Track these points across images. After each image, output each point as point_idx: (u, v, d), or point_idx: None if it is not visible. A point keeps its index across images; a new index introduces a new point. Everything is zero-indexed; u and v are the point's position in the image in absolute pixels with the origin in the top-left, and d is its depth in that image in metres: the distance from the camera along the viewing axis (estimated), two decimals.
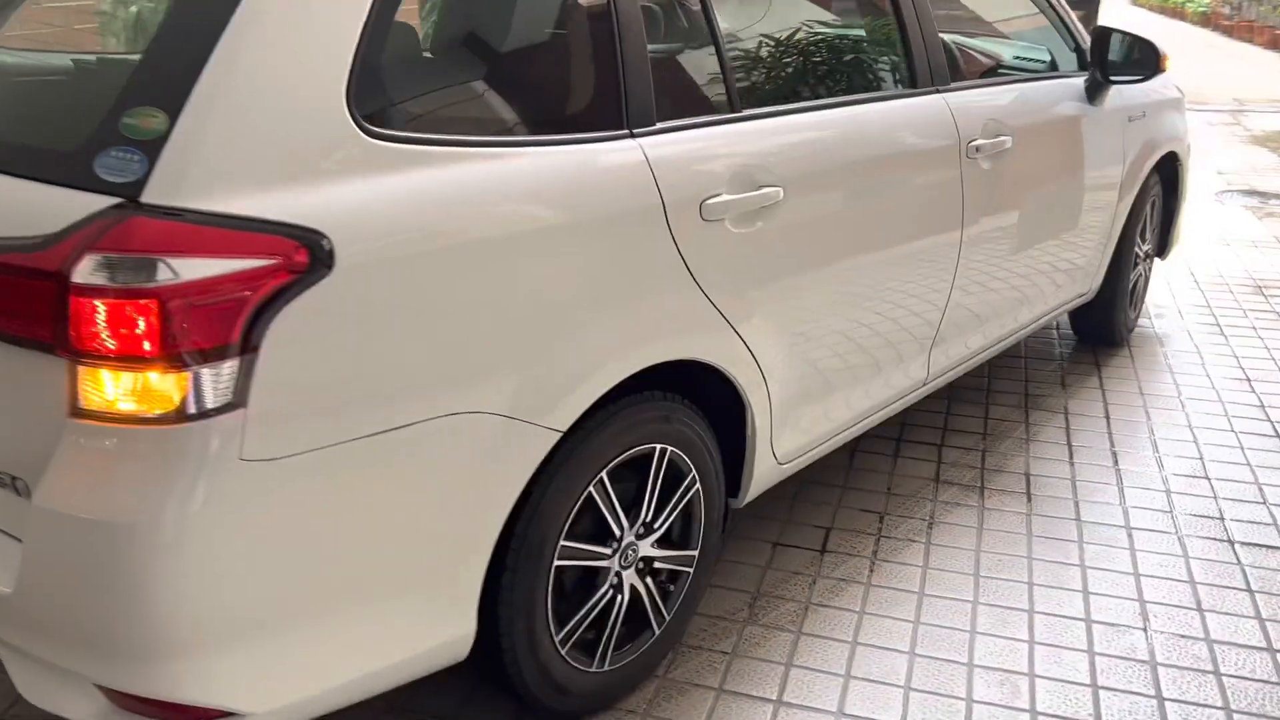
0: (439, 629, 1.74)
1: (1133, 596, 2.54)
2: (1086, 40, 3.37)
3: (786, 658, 2.32)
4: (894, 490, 3.03)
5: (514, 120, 1.82)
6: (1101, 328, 3.99)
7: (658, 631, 2.20)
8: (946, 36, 3.28)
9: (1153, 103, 3.73)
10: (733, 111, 2.14)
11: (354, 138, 1.53)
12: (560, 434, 1.79)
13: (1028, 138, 2.97)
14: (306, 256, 1.44)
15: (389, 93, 1.61)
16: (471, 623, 1.78)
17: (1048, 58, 3.42)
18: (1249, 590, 2.57)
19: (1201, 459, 3.20)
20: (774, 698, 2.20)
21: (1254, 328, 4.29)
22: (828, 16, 2.72)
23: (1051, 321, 3.72)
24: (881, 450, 3.26)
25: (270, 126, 1.46)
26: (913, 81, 2.63)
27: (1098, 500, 2.97)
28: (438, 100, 1.72)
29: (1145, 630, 2.42)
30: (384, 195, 1.55)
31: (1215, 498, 2.99)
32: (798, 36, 2.51)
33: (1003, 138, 2.84)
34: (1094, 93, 3.30)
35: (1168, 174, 4.10)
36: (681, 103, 2.09)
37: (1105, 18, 9.48)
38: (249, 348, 1.41)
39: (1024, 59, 3.45)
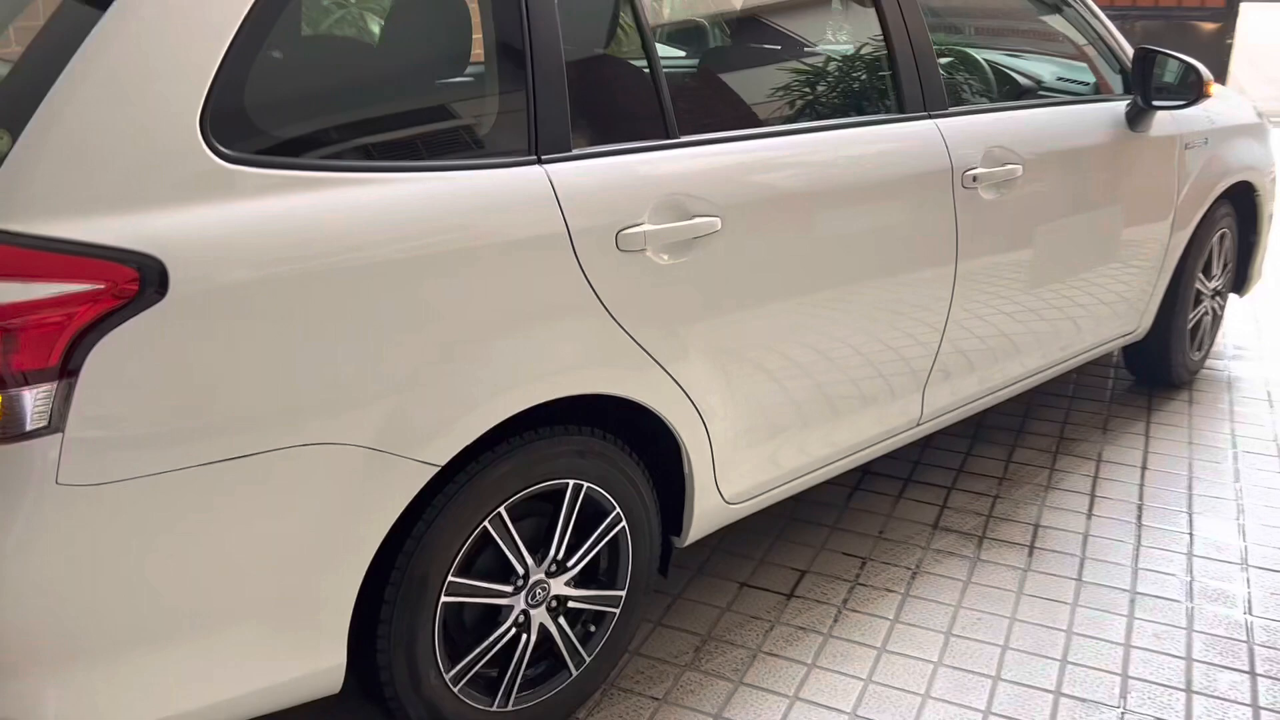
0: (301, 660, 1.70)
1: (1116, 670, 2.33)
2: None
3: (717, 709, 2.21)
4: (885, 534, 2.87)
5: (398, 146, 1.78)
6: (1156, 368, 3.71)
7: (574, 673, 2.12)
8: (978, 54, 3.11)
9: (1219, 129, 3.45)
10: (669, 138, 2.04)
11: (208, 163, 1.51)
12: (436, 468, 1.73)
13: (1046, 166, 2.77)
14: (136, 282, 1.43)
15: (253, 119, 1.59)
16: (340, 655, 1.75)
17: (1090, 79, 3.20)
18: (1251, 673, 2.33)
19: (1240, 522, 2.93)
20: None
21: None
22: (796, 38, 2.59)
23: (1097, 358, 3.47)
24: (884, 490, 3.10)
25: (117, 150, 1.45)
26: (900, 106, 2.48)
27: (1106, 559, 2.75)
28: (312, 125, 1.68)
29: (1120, 709, 2.21)
30: (238, 221, 1.52)
31: (1244, 565, 2.72)
32: (753, 60, 2.39)
33: (1011, 166, 2.65)
34: (1137, 118, 3.05)
35: (1244, 205, 3.79)
36: (608, 129, 2.00)
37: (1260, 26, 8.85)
38: (68, 372, 1.40)
39: (1064, 80, 3.23)
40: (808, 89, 2.48)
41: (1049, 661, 2.35)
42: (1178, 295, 3.51)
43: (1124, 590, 2.62)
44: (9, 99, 1.50)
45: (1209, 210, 3.50)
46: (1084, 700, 2.24)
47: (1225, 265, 3.80)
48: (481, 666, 1.98)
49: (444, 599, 1.86)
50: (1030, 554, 2.77)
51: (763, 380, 2.25)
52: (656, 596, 2.59)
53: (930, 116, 2.51)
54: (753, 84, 2.37)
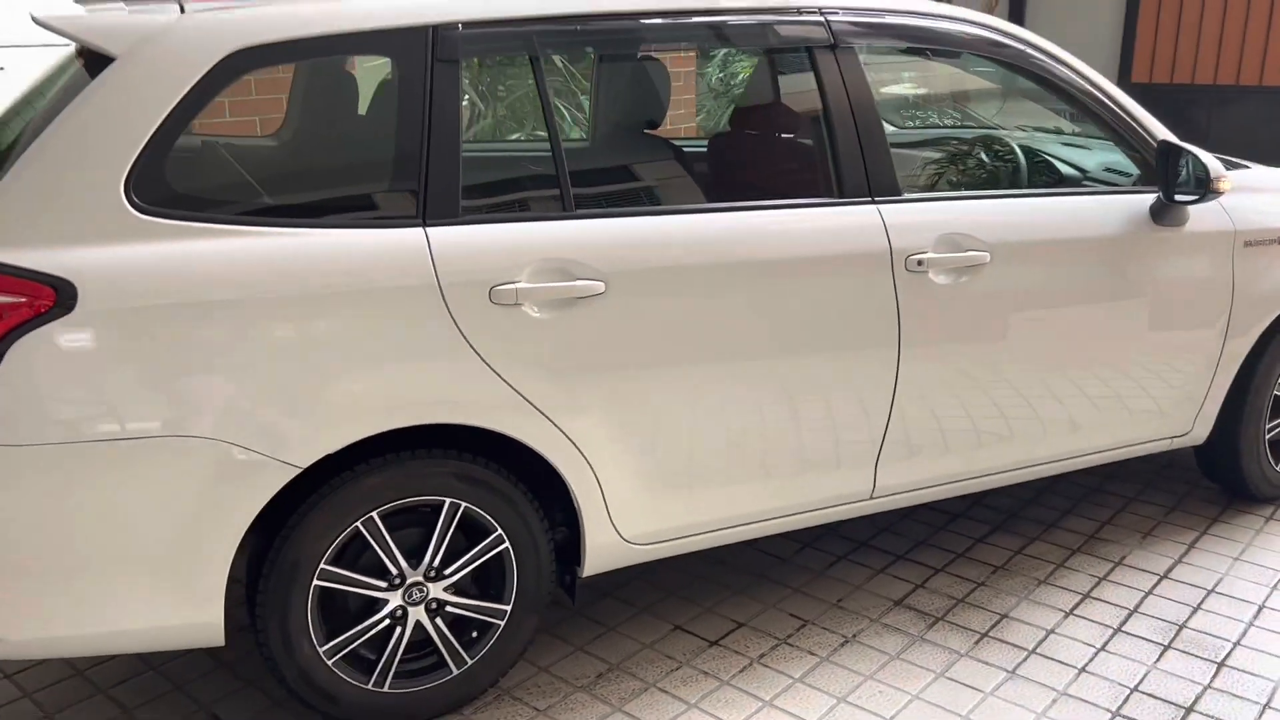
0: (182, 613, 2.13)
1: None
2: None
3: None
4: (842, 603, 2.94)
5: (295, 206, 2.20)
6: (1229, 476, 3.47)
7: (455, 672, 2.42)
8: (979, 142, 3.15)
9: None
10: (563, 210, 2.35)
11: (127, 214, 2.00)
12: (298, 469, 2.12)
13: (1022, 256, 2.78)
14: (52, 298, 1.93)
15: (167, 182, 2.06)
16: (217, 613, 2.15)
17: (1124, 169, 3.13)
18: None
19: (1219, 658, 2.74)
20: None
21: None
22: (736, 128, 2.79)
23: (1147, 455, 3.31)
24: (868, 563, 3.15)
25: (62, 199, 1.97)
26: (840, 191, 2.62)
27: (1056, 658, 2.68)
28: (220, 188, 2.15)
29: None
30: (143, 259, 2.00)
31: (1206, 687, 2.57)
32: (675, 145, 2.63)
33: (973, 253, 2.70)
34: (1162, 212, 2.97)
35: None
36: (500, 200, 2.34)
37: None
38: None
39: (1085, 169, 3.18)
40: (726, 173, 2.68)
41: None
42: (1246, 402, 3.29)
43: (1052, 690, 2.55)
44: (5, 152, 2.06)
45: None
46: None
47: None
48: (360, 648, 2.32)
49: (317, 582, 2.23)
50: (979, 641, 2.75)
51: (664, 436, 2.46)
52: (587, 624, 2.83)
53: (874, 202, 2.63)
54: (664, 167, 2.61)
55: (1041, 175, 3.29)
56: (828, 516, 2.81)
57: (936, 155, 3.51)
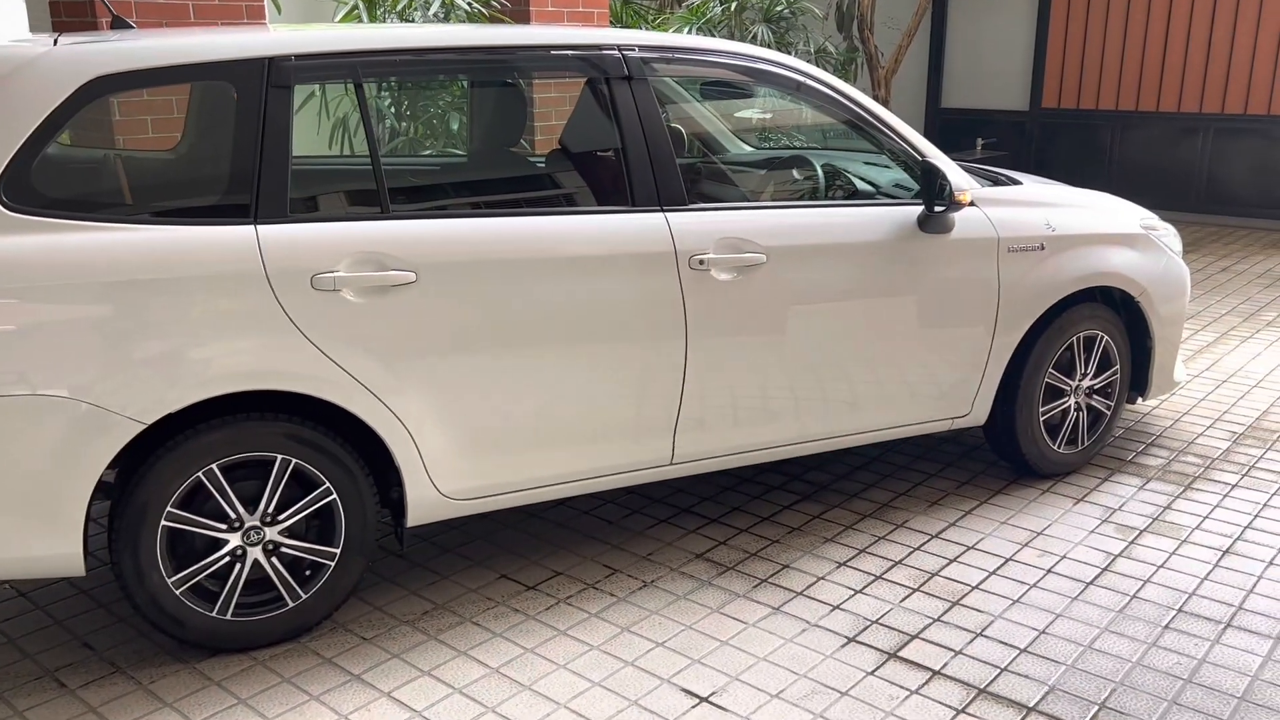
0: (44, 544, 2.55)
1: (730, 674, 2.76)
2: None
3: (401, 650, 2.86)
4: (651, 556, 3.39)
5: (149, 207, 2.65)
6: (1012, 456, 3.95)
7: (290, 604, 2.85)
8: (762, 161, 3.63)
9: (1064, 236, 3.73)
10: (382, 211, 2.80)
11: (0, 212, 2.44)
12: (143, 425, 2.55)
13: (795, 257, 3.25)
14: None
15: (34, 184, 2.50)
16: (76, 546, 2.58)
17: (904, 184, 3.62)
18: (845, 694, 2.69)
19: (966, 591, 3.21)
20: (356, 673, 2.76)
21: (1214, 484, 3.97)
22: (521, 149, 3.26)
23: (941, 434, 3.78)
24: (686, 525, 3.61)
25: None
26: (632, 200, 3.09)
27: (817, 598, 3.13)
28: (86, 191, 2.59)
29: (697, 702, 2.66)
30: (14, 248, 2.43)
31: (935, 620, 3.03)
32: (484, 154, 3.09)
33: (750, 254, 3.17)
34: (926, 221, 3.44)
35: (1132, 311, 4.00)
36: (325, 202, 2.79)
37: None
38: None
39: (877, 185, 3.68)
40: (543, 184, 3.14)
41: (682, 658, 2.82)
42: (1019, 389, 3.78)
43: (805, 622, 3.01)
44: None
45: (1058, 312, 3.77)
46: (687, 691, 2.70)
47: (1112, 367, 3.99)
48: (205, 581, 2.75)
49: (165, 523, 2.66)
50: (756, 586, 3.21)
51: (476, 406, 2.91)
52: (425, 573, 3.27)
53: (662, 210, 3.11)
54: (472, 172, 3.08)
55: (838, 190, 3.78)
56: (633, 479, 3.27)
57: (744, 171, 4.00)
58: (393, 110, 6.41)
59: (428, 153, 3.60)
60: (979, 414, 3.78)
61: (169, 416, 2.62)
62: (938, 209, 3.38)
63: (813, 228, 3.33)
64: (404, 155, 4.69)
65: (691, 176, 3.95)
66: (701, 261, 3.12)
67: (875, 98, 9.09)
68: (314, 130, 6.34)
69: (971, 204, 3.56)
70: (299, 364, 2.69)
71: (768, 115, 5.22)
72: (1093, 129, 10.09)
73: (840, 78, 8.65)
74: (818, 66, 7.83)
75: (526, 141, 5.14)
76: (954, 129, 10.76)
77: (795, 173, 3.92)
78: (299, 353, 2.69)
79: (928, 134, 10.88)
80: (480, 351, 2.89)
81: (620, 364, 3.08)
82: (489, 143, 3.77)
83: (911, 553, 3.43)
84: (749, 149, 4.38)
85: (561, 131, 3.56)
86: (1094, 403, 4.02)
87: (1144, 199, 9.40)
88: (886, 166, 3.77)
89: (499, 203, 3.13)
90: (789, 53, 7.48)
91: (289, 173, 2.71)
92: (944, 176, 3.33)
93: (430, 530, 3.54)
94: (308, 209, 2.76)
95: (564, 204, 3.14)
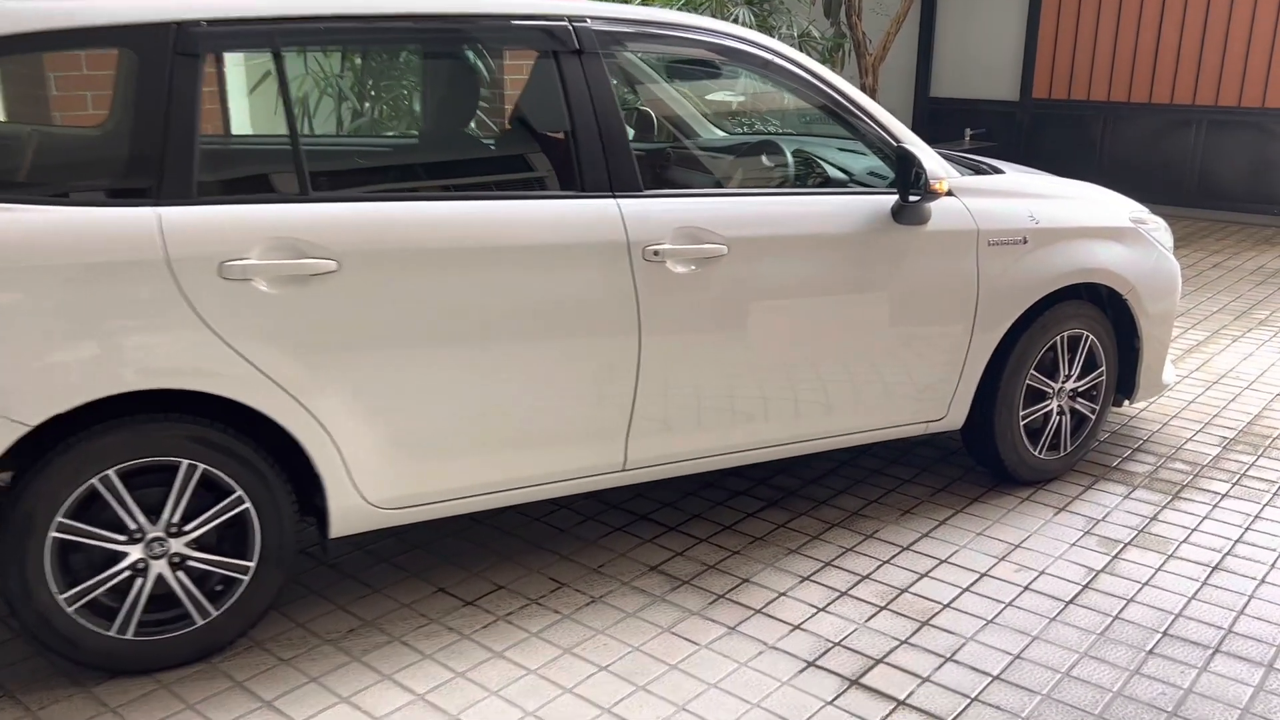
0: None
1: (677, 704, 2.53)
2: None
3: (319, 673, 2.62)
4: (602, 569, 3.16)
5: (43, 185, 2.41)
6: (990, 462, 3.73)
7: (199, 622, 2.61)
8: (724, 146, 3.39)
9: (1048, 229, 3.50)
10: (301, 194, 2.55)
11: None
12: (27, 427, 2.30)
13: (760, 249, 3.01)
14: None
15: None
16: None
17: (879, 172, 3.39)
18: None
19: (937, 610, 2.99)
20: (268, 699, 2.52)
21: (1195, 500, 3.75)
22: (484, 124, 3.02)
23: (915, 437, 3.56)
24: (641, 533, 3.37)
25: None
26: (582, 185, 2.85)
27: (777, 617, 2.91)
28: None
29: None
30: None
31: (902, 642, 2.81)
32: (426, 135, 2.84)
33: (710, 246, 2.94)
34: (901, 212, 3.21)
35: (1119, 309, 3.77)
36: (238, 183, 2.54)
37: None
38: None
39: (851, 173, 3.44)
40: (459, 167, 2.90)
41: (625, 685, 2.59)
42: (999, 391, 3.56)
43: (762, 644, 2.78)
44: None
45: (1040, 310, 3.54)
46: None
47: (1098, 369, 3.77)
48: (103, 597, 2.50)
49: (55, 535, 2.41)
50: (713, 602, 2.98)
51: (405, 407, 2.67)
52: (356, 586, 3.03)
53: (614, 196, 2.86)
54: (412, 154, 2.83)
55: (809, 178, 3.54)
56: (582, 486, 3.03)
57: (710, 156, 3.76)
58: (355, 90, 6.16)
59: (390, 134, 3.36)
60: (955, 417, 3.56)
61: (60, 418, 2.37)
62: (912, 198, 3.15)
63: (779, 218, 3.09)
64: (349, 136, 4.42)
65: (650, 161, 3.71)
66: (656, 253, 2.88)
67: (862, 86, 8.84)
68: (271, 109, 6.08)
69: (949, 194, 3.33)
70: (204, 360, 2.45)
71: (742, 98, 4.96)
72: (1084, 120, 9.87)
73: (826, 65, 8.43)
74: (801, 51, 7.61)
75: (496, 123, 4.88)
76: (943, 118, 10.51)
77: (765, 159, 3.68)
78: (204, 348, 2.44)
79: (916, 123, 10.65)
80: (411, 348, 2.65)
81: (566, 363, 2.84)
82: (437, 123, 3.51)
83: (880, 566, 3.20)
84: (720, 133, 4.14)
85: (510, 111, 3.30)
86: (1078, 406, 3.80)
87: (1135, 192, 9.13)
88: (863, 153, 3.53)
89: (435, 186, 2.88)
90: (771, 35, 7.23)
91: (196, 150, 2.45)
92: (919, 164, 3.09)
93: (365, 538, 3.30)
94: (219, 191, 2.51)
95: (507, 189, 2.89)
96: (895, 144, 3.23)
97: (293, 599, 2.96)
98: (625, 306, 2.87)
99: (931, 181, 3.09)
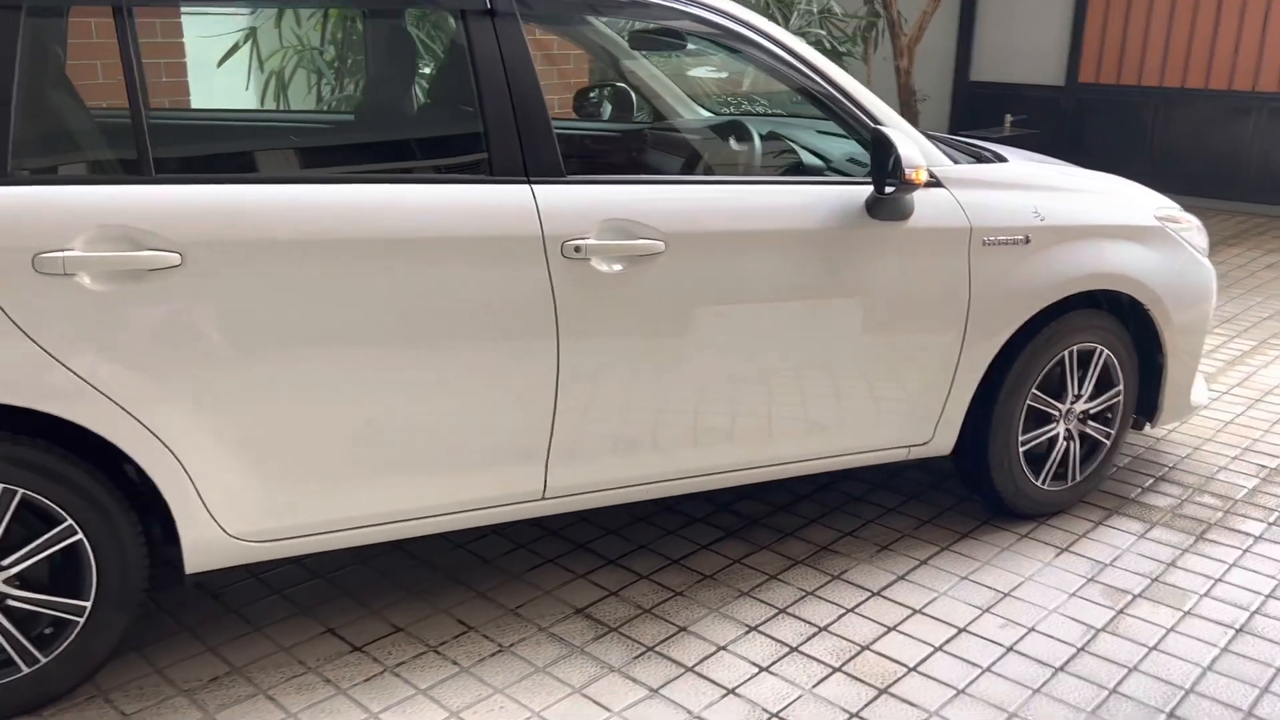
0: None
1: None
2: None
3: None
4: (520, 610, 2.76)
5: None
6: (984, 491, 3.27)
7: (25, 669, 2.25)
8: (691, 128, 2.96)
9: (1056, 227, 3.02)
10: (143, 176, 2.17)
11: None
12: None
13: (709, 247, 2.59)
14: None
15: None
16: None
17: (859, 159, 2.93)
18: None
19: (901, 675, 2.55)
20: None
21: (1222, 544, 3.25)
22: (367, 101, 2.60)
23: (882, 462, 3.11)
24: (575, 567, 2.97)
25: None
26: (491, 168, 2.43)
27: (710, 677, 2.49)
28: None
29: None
30: None
31: (853, 716, 2.38)
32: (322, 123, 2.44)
33: (643, 241, 2.51)
34: (876, 205, 2.75)
35: (1141, 320, 3.28)
36: (68, 163, 2.16)
37: None
38: None
39: (829, 159, 2.99)
40: (331, 146, 2.49)
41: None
42: (992, 413, 3.09)
43: (686, 712, 2.37)
44: None
45: (1047, 320, 3.07)
46: None
47: (1114, 388, 3.29)
48: None
49: None
50: (639, 656, 2.57)
51: (271, 426, 2.29)
52: (235, 622, 2.66)
53: (529, 182, 2.45)
54: (289, 132, 2.43)
55: (776, 165, 3.09)
56: (495, 517, 2.63)
57: (662, 137, 3.32)
58: (336, 67, 5.81)
59: (268, 109, 2.99)
60: (942, 441, 3.10)
61: None
62: (888, 189, 2.69)
63: (729, 210, 2.65)
64: (209, 110, 3.90)
65: (580, 143, 3.28)
66: (578, 248, 2.46)
67: (896, 68, 8.30)
68: (243, 85, 5.73)
69: (937, 184, 2.87)
70: (14, 369, 2.07)
71: (723, 75, 4.50)
72: (1133, 107, 9.23)
73: (857, 47, 7.89)
74: (822, 29, 7.09)
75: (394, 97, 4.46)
76: (983, 104, 9.92)
77: (730, 142, 3.23)
78: (14, 353, 2.07)
79: (954, 109, 10.08)
80: (278, 356, 2.26)
81: (469, 375, 2.44)
82: (361, 97, 3.11)
83: (842, 616, 2.76)
84: (692, 114, 3.69)
85: (414, 84, 2.88)
86: (1089, 430, 3.31)
87: (1187, 185, 8.57)
88: (844, 137, 3.07)
89: (312, 167, 2.47)
90: (787, 12, 6.73)
91: (9, 123, 2.07)
92: (895, 149, 2.63)
93: (262, 564, 2.92)
94: (39, 171, 2.14)
95: (401, 171, 2.49)
96: (872, 125, 2.77)
97: (159, 636, 2.59)
98: (541, 310, 2.46)
99: (906, 170, 2.62)
